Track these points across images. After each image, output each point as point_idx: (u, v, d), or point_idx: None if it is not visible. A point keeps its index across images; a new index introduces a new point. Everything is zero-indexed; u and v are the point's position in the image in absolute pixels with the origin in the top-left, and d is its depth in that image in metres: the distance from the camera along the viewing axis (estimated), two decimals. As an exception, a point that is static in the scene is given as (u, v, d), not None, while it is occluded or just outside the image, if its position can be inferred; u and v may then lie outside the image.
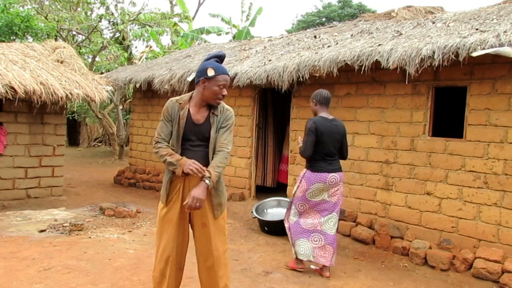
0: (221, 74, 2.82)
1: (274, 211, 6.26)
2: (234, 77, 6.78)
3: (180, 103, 2.91)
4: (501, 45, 4.20)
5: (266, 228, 6.04)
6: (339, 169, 4.43)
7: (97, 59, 15.98)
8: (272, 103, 8.23)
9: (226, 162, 2.86)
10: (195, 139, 2.87)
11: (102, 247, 4.93)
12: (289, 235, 4.60)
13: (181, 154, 2.84)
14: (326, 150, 4.33)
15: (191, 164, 2.71)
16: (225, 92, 2.86)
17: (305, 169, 4.45)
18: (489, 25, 4.96)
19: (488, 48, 4.24)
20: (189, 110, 2.89)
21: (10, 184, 7.23)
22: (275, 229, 5.89)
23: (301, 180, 4.43)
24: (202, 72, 2.84)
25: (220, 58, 2.93)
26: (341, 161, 4.48)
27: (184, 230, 2.93)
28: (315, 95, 4.51)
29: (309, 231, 4.44)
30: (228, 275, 2.96)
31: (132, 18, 14.40)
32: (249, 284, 4.11)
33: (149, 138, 9.51)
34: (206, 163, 2.83)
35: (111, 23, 14.64)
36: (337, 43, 6.26)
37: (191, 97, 2.93)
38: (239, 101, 7.48)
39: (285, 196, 6.62)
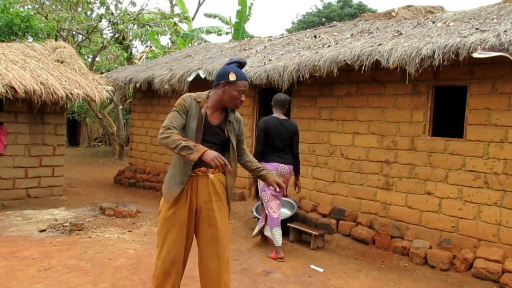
0: (242, 80, 2.84)
1: None
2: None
3: (199, 101, 2.87)
4: (501, 44, 4.20)
5: None
6: (289, 162, 5.10)
7: (97, 59, 15.98)
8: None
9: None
10: (207, 140, 2.85)
11: (102, 247, 4.94)
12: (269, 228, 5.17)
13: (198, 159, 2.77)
14: (275, 145, 5.05)
15: (217, 158, 2.58)
16: (243, 97, 2.88)
17: (260, 162, 5.00)
18: (489, 24, 4.96)
19: (488, 49, 4.23)
20: (206, 110, 2.88)
21: (10, 184, 7.23)
22: None
23: None
24: (223, 75, 2.84)
25: (241, 64, 2.95)
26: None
27: (190, 231, 2.91)
28: (273, 98, 5.27)
29: (277, 219, 5.06)
30: (229, 276, 2.95)
31: (132, 18, 14.39)
32: (249, 284, 4.11)
33: (149, 138, 9.51)
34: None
35: (111, 23, 14.64)
36: (337, 43, 6.26)
37: (207, 97, 2.92)
38: (239, 101, 7.47)
39: (286, 196, 6.61)
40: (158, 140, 2.76)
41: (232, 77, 2.81)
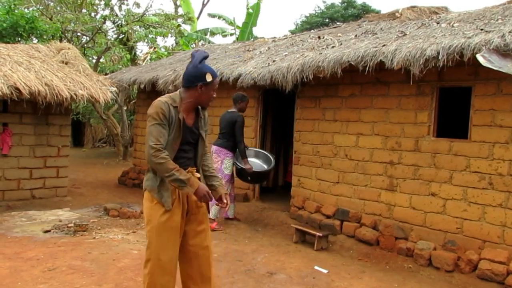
0: (216, 78, 2.85)
1: (252, 160, 6.42)
2: (238, 78, 6.79)
3: (175, 106, 2.77)
4: (506, 45, 4.18)
5: (249, 178, 6.24)
6: (217, 144, 6.19)
7: (101, 60, 16.01)
8: (274, 104, 8.24)
9: None
10: (184, 143, 2.83)
11: (107, 247, 4.95)
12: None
13: (175, 159, 2.75)
14: (220, 130, 6.27)
15: (206, 196, 2.77)
16: (215, 94, 2.91)
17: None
18: (494, 25, 4.94)
19: (492, 48, 4.21)
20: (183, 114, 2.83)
21: (15, 184, 7.26)
22: (258, 179, 6.37)
23: None
24: (200, 77, 2.76)
25: (206, 58, 2.92)
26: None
27: (180, 236, 2.89)
28: None
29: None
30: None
31: (136, 20, 14.41)
32: (253, 285, 4.11)
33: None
34: (194, 165, 2.91)
35: (115, 24, 14.67)
36: (341, 44, 6.25)
37: (181, 99, 2.81)
38: (243, 102, 7.46)
39: (289, 197, 6.63)
40: (151, 162, 2.67)
41: (209, 78, 2.78)
